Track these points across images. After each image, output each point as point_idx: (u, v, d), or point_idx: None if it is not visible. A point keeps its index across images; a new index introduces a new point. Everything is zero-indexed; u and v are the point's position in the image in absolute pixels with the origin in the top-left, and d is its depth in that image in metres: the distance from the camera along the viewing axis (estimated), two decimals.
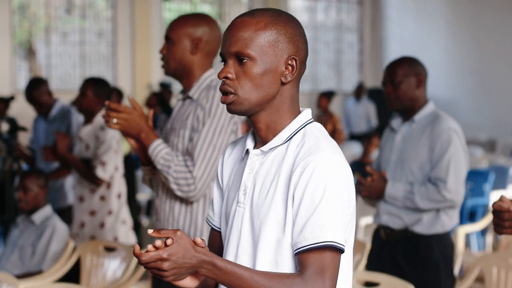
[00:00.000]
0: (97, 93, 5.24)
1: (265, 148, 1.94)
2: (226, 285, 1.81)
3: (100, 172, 5.06)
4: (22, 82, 12.49)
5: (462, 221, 7.31)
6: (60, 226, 4.95)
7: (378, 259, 3.90)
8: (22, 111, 10.27)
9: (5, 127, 6.13)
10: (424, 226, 3.76)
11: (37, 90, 6.07)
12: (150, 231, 1.75)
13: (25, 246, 4.93)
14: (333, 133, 10.66)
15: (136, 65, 13.45)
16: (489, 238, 6.57)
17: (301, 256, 1.82)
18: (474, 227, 6.06)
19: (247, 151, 1.99)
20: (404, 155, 3.83)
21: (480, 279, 5.11)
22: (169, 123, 3.37)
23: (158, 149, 3.14)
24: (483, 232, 6.77)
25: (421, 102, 3.84)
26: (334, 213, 1.82)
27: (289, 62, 1.92)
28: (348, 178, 1.88)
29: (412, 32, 15.60)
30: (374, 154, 9.52)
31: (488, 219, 5.99)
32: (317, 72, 16.09)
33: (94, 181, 5.07)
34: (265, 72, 1.90)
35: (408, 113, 3.88)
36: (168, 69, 3.29)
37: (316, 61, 16.05)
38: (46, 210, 5.01)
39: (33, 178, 4.98)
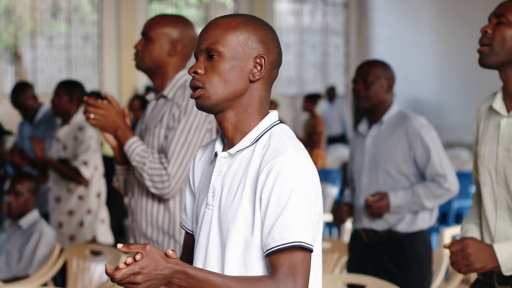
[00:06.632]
0: (70, 93, 5.28)
1: (232, 150, 1.97)
2: None
3: (84, 171, 5.09)
4: (8, 86, 12.43)
5: (448, 223, 7.32)
6: (47, 230, 4.92)
7: (360, 264, 3.94)
8: (8, 115, 10.22)
9: None
10: (406, 224, 3.84)
11: (22, 94, 6.06)
12: (119, 246, 1.78)
13: (12, 250, 4.90)
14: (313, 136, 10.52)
15: (122, 68, 13.43)
16: None
17: (272, 257, 1.84)
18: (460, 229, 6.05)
19: (216, 154, 2.01)
20: (377, 157, 3.89)
21: (465, 281, 5.13)
22: (143, 123, 3.38)
23: (134, 146, 3.17)
24: None
25: (387, 104, 3.94)
26: (301, 213, 1.85)
27: (258, 60, 1.96)
28: (314, 179, 1.91)
29: (398, 34, 15.65)
30: None
31: None
32: (303, 74, 16.11)
33: (78, 180, 5.08)
34: (233, 68, 1.94)
35: (374, 115, 3.96)
36: (140, 65, 3.30)
37: (302, 63, 16.07)
38: (34, 215, 4.98)
39: (25, 183, 4.95)
